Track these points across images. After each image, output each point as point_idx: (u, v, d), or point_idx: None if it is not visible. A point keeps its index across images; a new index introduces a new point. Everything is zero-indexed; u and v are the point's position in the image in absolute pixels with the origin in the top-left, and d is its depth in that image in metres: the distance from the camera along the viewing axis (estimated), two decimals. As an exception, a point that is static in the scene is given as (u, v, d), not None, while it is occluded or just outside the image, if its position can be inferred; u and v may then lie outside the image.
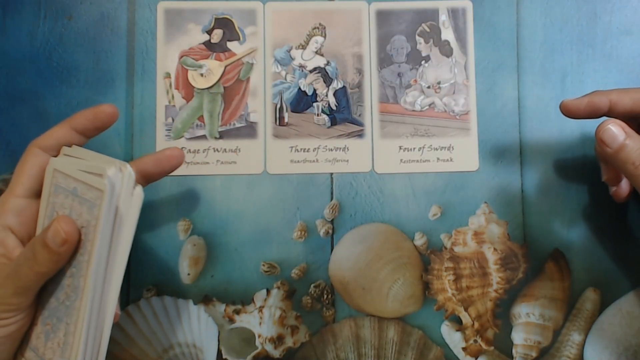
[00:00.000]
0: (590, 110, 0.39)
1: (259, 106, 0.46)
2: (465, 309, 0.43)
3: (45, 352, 0.33)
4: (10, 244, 0.34)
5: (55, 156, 0.36)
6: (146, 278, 0.44)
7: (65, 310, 0.32)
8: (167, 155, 0.38)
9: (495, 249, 0.43)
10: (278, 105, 0.46)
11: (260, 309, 0.43)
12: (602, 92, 0.39)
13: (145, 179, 0.38)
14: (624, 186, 0.42)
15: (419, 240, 0.45)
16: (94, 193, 0.31)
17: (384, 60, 0.47)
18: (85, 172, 0.32)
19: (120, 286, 0.33)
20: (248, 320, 0.43)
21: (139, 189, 0.33)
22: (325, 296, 0.45)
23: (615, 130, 0.37)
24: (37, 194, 0.35)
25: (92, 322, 0.32)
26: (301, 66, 0.47)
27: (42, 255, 0.32)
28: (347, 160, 0.46)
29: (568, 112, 0.40)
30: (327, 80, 0.47)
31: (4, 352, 0.34)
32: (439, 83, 0.47)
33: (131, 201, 0.32)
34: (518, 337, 0.44)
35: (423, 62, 0.47)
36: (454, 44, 0.47)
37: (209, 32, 0.47)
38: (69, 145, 0.36)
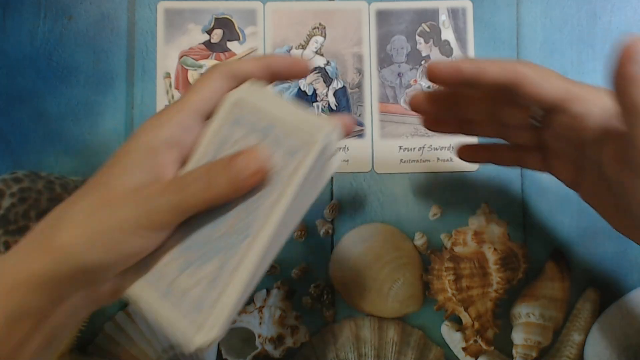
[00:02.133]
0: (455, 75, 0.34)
1: (259, 106, 0.46)
2: (465, 309, 0.43)
3: (178, 279, 0.29)
4: (169, 159, 0.30)
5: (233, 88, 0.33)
6: (146, 278, 0.44)
7: (223, 245, 0.29)
8: (300, 64, 0.34)
9: (495, 249, 0.43)
10: (278, 105, 0.46)
11: (260, 309, 0.43)
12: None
13: (271, 77, 0.34)
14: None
15: (419, 240, 0.45)
16: (299, 140, 0.29)
17: (384, 60, 0.47)
18: (296, 117, 0.29)
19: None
20: (248, 320, 0.43)
21: (339, 155, 0.32)
22: (325, 296, 0.45)
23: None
24: (206, 118, 0.31)
25: (258, 269, 0.29)
26: (301, 66, 0.47)
27: (221, 180, 0.28)
28: (347, 160, 0.46)
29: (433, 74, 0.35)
30: (327, 80, 0.47)
31: (131, 275, 0.29)
32: (439, 83, 0.47)
33: (330, 163, 0.31)
34: (518, 337, 0.44)
35: (423, 62, 0.47)
36: (454, 44, 0.47)
37: (209, 32, 0.47)
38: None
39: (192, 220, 0.30)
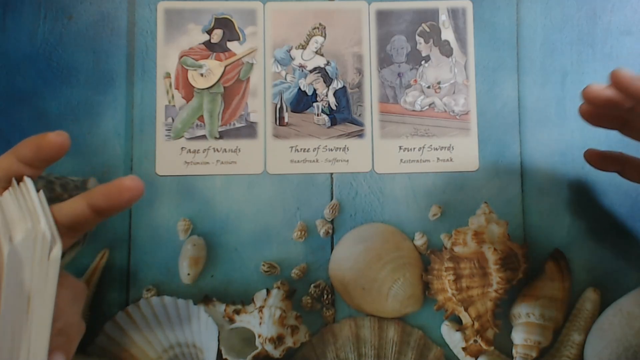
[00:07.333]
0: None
1: (259, 106, 0.46)
2: (465, 309, 0.43)
3: None
4: None
5: (6, 188, 0.31)
6: (146, 278, 0.44)
7: None
8: (121, 187, 0.31)
9: (495, 249, 0.43)
10: (278, 105, 0.46)
11: (260, 309, 0.43)
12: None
13: (98, 214, 0.32)
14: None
15: (419, 240, 0.45)
16: (1, 259, 0.27)
17: (384, 60, 0.47)
18: (2, 228, 0.28)
19: (45, 354, 0.29)
20: (248, 320, 0.43)
21: (56, 252, 0.28)
22: (325, 296, 0.45)
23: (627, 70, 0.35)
24: None
25: None
26: (301, 66, 0.47)
27: None
28: (347, 160, 0.46)
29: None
30: (327, 80, 0.47)
31: None
32: (439, 83, 0.47)
33: (46, 268, 0.28)
34: (518, 337, 0.44)
35: (423, 62, 0.47)
36: (454, 44, 0.47)
37: (209, 32, 0.47)
38: (20, 178, 0.32)
39: None
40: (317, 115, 0.47)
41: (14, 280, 0.27)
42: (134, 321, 0.43)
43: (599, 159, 0.43)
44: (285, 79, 0.47)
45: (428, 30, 0.47)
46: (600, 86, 0.38)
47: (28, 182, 0.31)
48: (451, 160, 0.46)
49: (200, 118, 0.46)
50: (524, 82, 0.47)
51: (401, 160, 0.46)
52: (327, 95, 0.47)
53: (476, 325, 0.43)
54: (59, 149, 0.31)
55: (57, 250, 0.28)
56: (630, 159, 0.42)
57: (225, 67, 0.47)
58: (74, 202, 0.32)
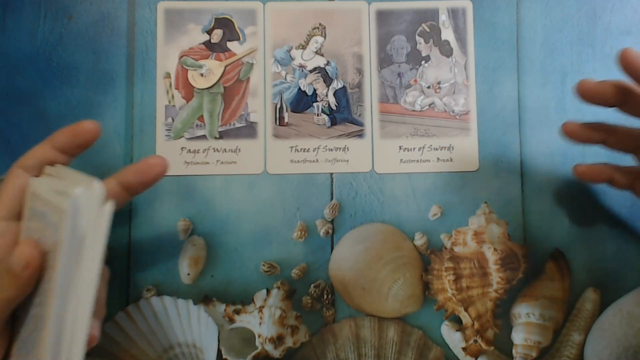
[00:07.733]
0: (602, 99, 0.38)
1: (259, 106, 0.46)
2: (465, 309, 0.43)
3: None
4: None
5: (38, 176, 0.34)
6: (146, 278, 0.44)
7: (32, 342, 0.30)
8: (149, 163, 0.36)
9: (495, 249, 0.43)
10: (278, 105, 0.46)
11: (260, 309, 0.43)
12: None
13: (129, 192, 0.36)
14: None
15: (419, 240, 0.45)
16: (59, 215, 0.29)
17: (384, 60, 0.47)
18: (54, 194, 0.30)
19: (92, 309, 0.30)
20: (248, 320, 0.43)
21: (108, 206, 0.30)
22: (325, 296, 0.45)
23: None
24: (19, 216, 0.34)
25: (57, 353, 0.29)
26: (301, 66, 0.47)
27: (6, 280, 0.30)
28: (347, 160, 0.46)
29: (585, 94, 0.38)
30: (327, 80, 0.47)
31: None
32: (439, 83, 0.47)
33: (99, 220, 0.30)
34: (518, 337, 0.44)
35: (423, 62, 0.47)
36: (454, 44, 0.47)
37: (209, 32, 0.47)
38: (52, 165, 0.34)
39: (22, 315, 0.31)
40: (317, 115, 0.47)
41: (73, 226, 0.29)
42: (134, 321, 0.43)
43: (579, 130, 0.41)
44: (285, 79, 0.47)
45: (428, 30, 0.47)
46: (593, 80, 0.38)
47: (62, 166, 0.34)
48: (451, 160, 0.46)
49: (200, 118, 0.46)
50: (524, 82, 0.47)
51: (401, 160, 0.46)
52: (327, 95, 0.47)
53: (476, 325, 0.43)
54: (93, 134, 0.35)
55: (110, 205, 0.30)
56: (616, 128, 0.40)
57: (225, 67, 0.47)
58: (106, 182, 0.35)
